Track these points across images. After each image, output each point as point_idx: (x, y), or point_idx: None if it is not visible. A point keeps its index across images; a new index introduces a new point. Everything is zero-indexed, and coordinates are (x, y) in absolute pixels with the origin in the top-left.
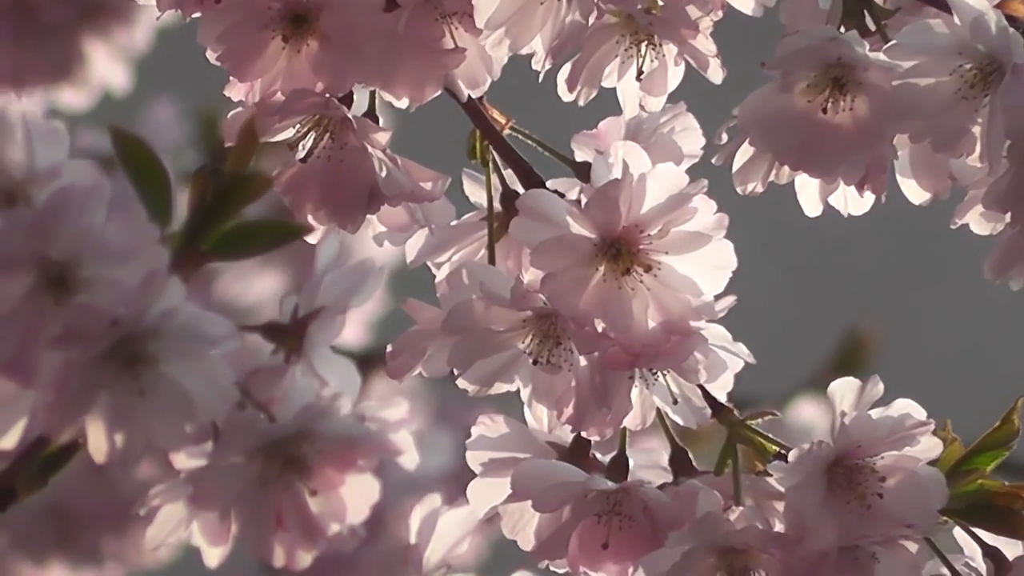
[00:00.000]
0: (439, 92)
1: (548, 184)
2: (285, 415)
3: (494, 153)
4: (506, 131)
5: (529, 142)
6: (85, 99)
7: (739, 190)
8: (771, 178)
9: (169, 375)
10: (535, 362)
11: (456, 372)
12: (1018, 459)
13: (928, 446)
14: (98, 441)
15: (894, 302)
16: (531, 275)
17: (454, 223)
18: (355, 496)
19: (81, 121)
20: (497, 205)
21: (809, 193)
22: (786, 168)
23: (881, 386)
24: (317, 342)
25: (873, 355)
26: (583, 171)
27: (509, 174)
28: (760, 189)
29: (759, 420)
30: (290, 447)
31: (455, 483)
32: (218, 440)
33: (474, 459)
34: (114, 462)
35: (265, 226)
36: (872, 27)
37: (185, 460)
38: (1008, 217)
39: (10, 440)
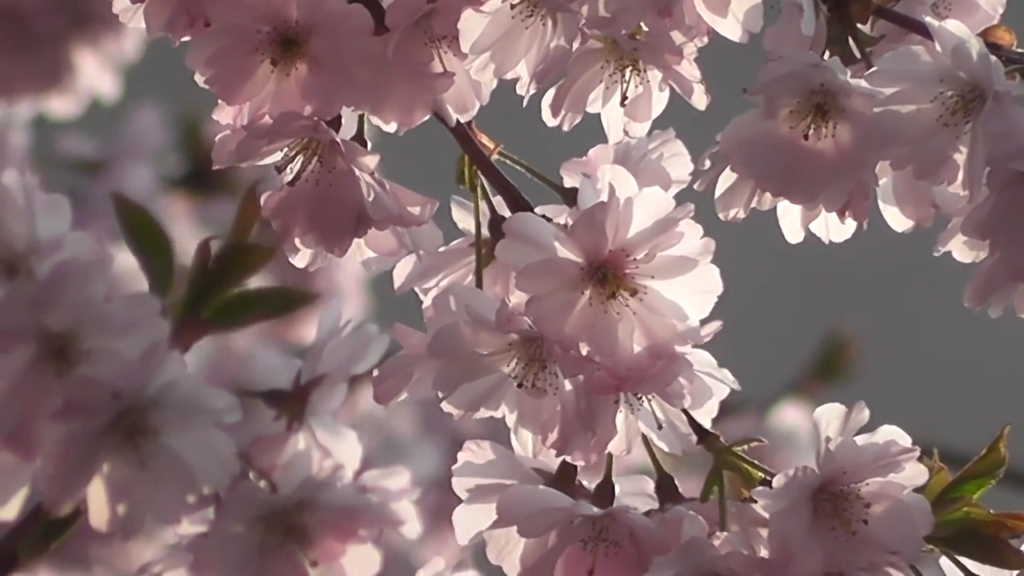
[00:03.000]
0: (428, 116)
1: (536, 210)
2: (287, 484)
3: (482, 179)
4: (494, 156)
5: (518, 167)
6: (73, 107)
7: (721, 216)
8: (753, 204)
9: (170, 447)
10: (520, 385)
11: (441, 396)
12: (1018, 469)
13: (913, 473)
14: (99, 510)
15: (877, 304)
16: (517, 298)
17: (442, 249)
18: (356, 566)
19: (67, 125)
20: (485, 231)
21: (791, 219)
22: (768, 194)
23: (867, 412)
24: (319, 410)
25: (856, 358)
26: (571, 197)
27: (498, 200)
28: (742, 215)
29: (745, 447)
30: (291, 517)
31: (442, 491)
32: (219, 509)
33: (460, 485)
34: (115, 531)
35: (266, 294)
36: (857, 54)
37: (186, 527)
38: (988, 244)
39: (11, 511)
